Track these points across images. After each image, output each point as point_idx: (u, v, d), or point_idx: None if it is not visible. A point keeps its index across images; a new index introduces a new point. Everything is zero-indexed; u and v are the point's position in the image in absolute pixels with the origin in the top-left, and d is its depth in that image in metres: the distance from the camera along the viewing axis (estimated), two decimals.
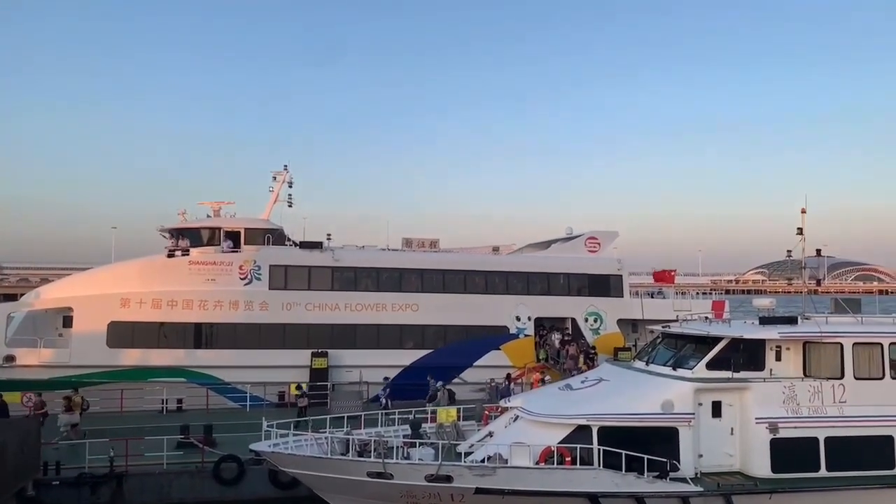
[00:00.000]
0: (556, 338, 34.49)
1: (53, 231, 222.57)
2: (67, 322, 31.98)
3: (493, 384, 30.26)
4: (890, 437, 18.21)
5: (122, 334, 31.28)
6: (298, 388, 29.24)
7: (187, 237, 33.64)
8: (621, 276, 37.85)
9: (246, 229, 33.99)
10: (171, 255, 33.10)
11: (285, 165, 36.78)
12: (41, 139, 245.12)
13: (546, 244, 40.80)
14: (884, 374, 18.78)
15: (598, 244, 38.86)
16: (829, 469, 17.86)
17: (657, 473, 16.85)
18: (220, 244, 33.38)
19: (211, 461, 21.34)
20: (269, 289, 33.14)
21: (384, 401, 28.46)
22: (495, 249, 40.50)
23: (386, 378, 30.57)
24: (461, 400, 27.23)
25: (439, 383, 28.74)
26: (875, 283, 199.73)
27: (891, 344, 19.00)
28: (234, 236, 33.70)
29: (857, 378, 18.63)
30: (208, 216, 35.06)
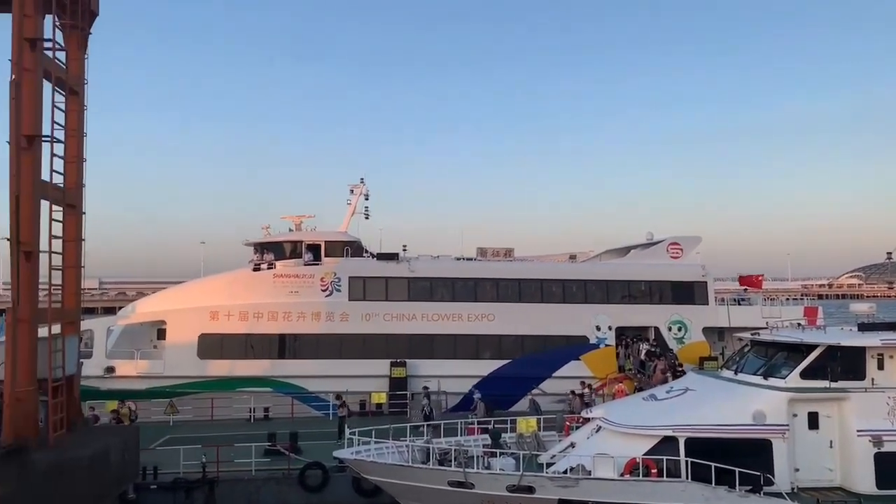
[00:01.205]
0: (643, 348, 33.45)
1: (147, 247, 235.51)
2: (161, 334, 33.62)
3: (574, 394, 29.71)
4: None
5: (212, 346, 32.56)
6: (338, 397, 28.89)
7: (271, 251, 34.80)
8: (706, 282, 36.52)
9: (326, 242, 34.85)
10: (256, 269, 34.31)
11: (362, 178, 37.57)
12: (132, 160, 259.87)
13: (625, 250, 39.89)
14: None
15: (681, 250, 37.66)
16: None
17: (750, 487, 16.15)
18: (302, 257, 34.38)
19: (296, 468, 21.92)
20: (349, 300, 33.80)
21: (427, 410, 27.97)
22: (572, 257, 39.95)
23: (425, 387, 30.44)
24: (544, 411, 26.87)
25: (477, 395, 28.46)
26: None
27: None
28: (315, 249, 34.61)
29: None
30: (290, 230, 36.13)
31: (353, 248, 35.21)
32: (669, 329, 35.46)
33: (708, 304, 36.26)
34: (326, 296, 33.71)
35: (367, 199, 37.39)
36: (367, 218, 37.49)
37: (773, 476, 16.57)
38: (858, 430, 17.00)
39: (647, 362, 31.84)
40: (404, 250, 36.46)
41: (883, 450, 16.79)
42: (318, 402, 32.09)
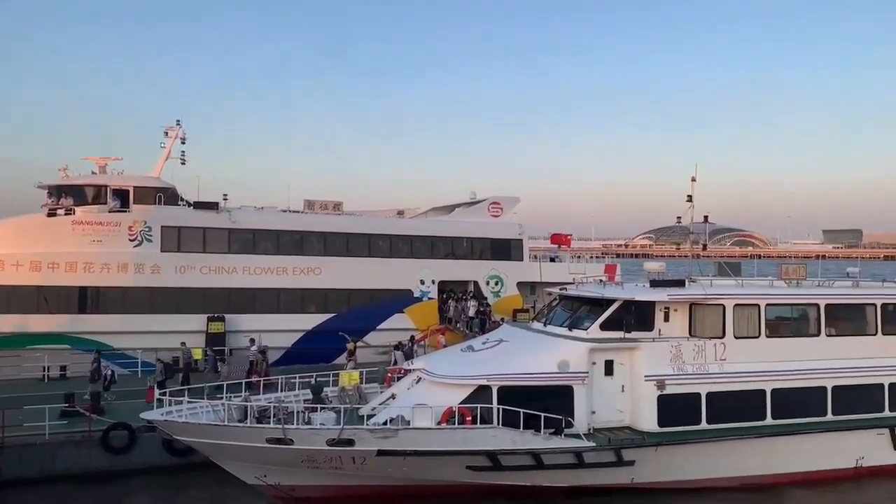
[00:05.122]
0: (471, 305, 34.57)
1: None
2: None
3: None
4: (762, 392, 19.72)
5: None
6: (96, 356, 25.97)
7: (70, 195, 31.37)
8: (522, 240, 38.73)
9: (135, 188, 32.06)
10: (51, 214, 30.82)
11: (178, 120, 34.84)
12: None
13: (450, 208, 40.99)
14: (760, 334, 20.24)
15: (501, 209, 39.44)
16: (709, 422, 19.15)
17: (553, 430, 17.50)
18: (106, 203, 31.38)
19: (99, 430, 20.36)
20: (161, 251, 31.56)
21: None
22: (400, 213, 40.36)
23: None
24: (365, 363, 27.14)
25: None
26: (750, 248, 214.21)
27: (767, 305, 20.48)
28: (122, 195, 31.73)
29: (736, 337, 19.98)
30: (93, 173, 32.83)
31: (167, 196, 32.72)
32: (487, 283, 37.30)
33: (523, 260, 38.55)
34: (135, 246, 31.20)
35: (183, 143, 34.83)
36: (183, 164, 35.02)
37: (573, 419, 18.10)
38: (646, 376, 19.00)
39: (475, 319, 32.95)
40: (225, 199, 34.60)
41: (664, 392, 18.94)
42: (125, 359, 29.86)
